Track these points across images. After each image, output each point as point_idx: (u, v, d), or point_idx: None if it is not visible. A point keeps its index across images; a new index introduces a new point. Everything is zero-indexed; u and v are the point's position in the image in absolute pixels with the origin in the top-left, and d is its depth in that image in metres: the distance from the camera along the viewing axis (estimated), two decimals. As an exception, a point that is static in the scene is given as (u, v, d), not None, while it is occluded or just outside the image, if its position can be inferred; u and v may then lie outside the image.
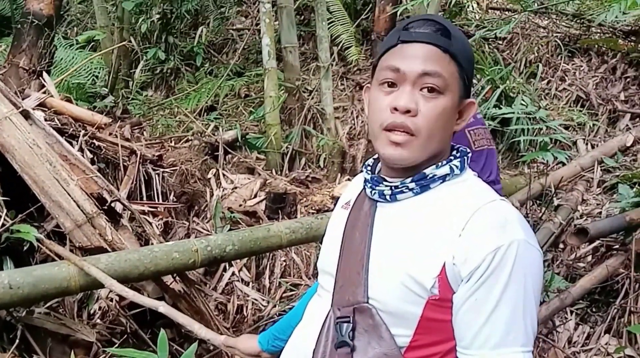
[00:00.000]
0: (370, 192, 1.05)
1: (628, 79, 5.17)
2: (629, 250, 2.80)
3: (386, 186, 1.01)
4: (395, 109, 0.95)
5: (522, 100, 4.53)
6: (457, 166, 1.00)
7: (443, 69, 0.94)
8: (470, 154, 1.05)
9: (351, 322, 0.98)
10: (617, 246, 2.99)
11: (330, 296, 1.05)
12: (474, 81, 4.40)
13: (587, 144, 4.45)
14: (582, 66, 5.52)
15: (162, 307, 1.65)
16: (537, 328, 0.92)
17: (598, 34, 5.76)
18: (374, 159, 1.12)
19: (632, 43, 5.36)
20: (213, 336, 1.44)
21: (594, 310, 2.79)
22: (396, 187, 1.00)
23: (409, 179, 0.99)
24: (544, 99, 5.03)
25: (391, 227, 1.01)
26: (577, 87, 5.15)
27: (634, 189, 3.40)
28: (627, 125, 4.65)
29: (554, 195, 3.65)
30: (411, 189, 0.99)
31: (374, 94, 1.00)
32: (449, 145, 1.03)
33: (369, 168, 1.10)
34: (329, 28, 5.18)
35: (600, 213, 3.51)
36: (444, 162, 1.00)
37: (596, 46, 5.53)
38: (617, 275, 2.77)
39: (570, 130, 4.65)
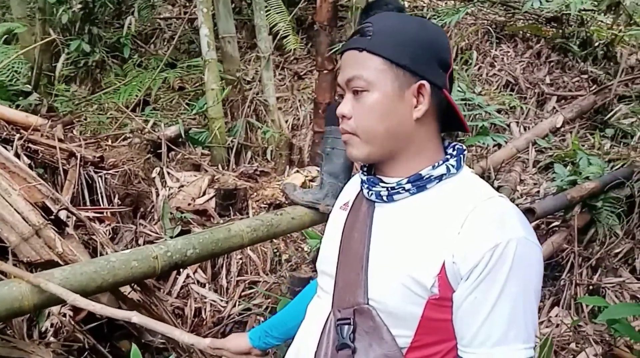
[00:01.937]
0: (367, 193, 1.05)
1: (552, 63, 5.48)
2: (570, 226, 2.99)
3: (382, 187, 1.01)
4: (339, 116, 1.03)
5: (459, 86, 4.70)
6: (453, 166, 1.00)
7: (362, 69, 0.98)
8: (466, 152, 1.06)
9: (351, 323, 0.97)
10: (557, 224, 3.18)
11: (330, 298, 1.04)
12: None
13: (519, 126, 4.68)
14: (509, 52, 5.78)
15: (136, 317, 1.56)
16: (537, 324, 0.94)
17: (522, 21, 6.05)
18: None
19: (555, 29, 5.67)
20: (196, 340, 1.37)
21: (542, 285, 2.96)
22: (392, 188, 1.00)
23: (405, 180, 0.99)
24: (477, 85, 5.23)
25: (389, 227, 1.00)
26: (506, 72, 5.40)
27: (568, 168, 3.62)
28: (554, 107, 4.94)
29: (495, 177, 3.82)
30: (407, 190, 0.99)
31: None
32: (418, 134, 1.00)
33: (365, 169, 1.09)
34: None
35: (538, 191, 3.72)
36: (440, 162, 1.00)
37: (521, 32, 5.81)
38: (561, 250, 2.95)
39: (503, 114, 4.87)
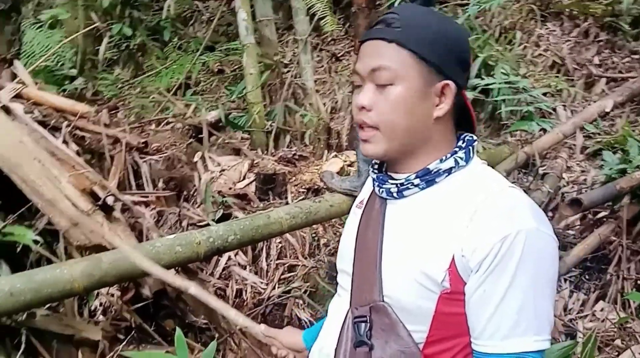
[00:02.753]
0: (378, 190, 1.05)
1: (601, 43, 5.24)
2: (619, 218, 2.89)
3: (392, 183, 1.01)
4: (358, 107, 1.00)
5: (502, 68, 4.56)
6: (461, 158, 0.99)
7: (390, 60, 0.95)
8: (476, 143, 1.04)
9: (368, 321, 0.98)
10: (605, 214, 3.08)
11: (349, 295, 1.05)
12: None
13: (566, 110, 4.52)
14: (555, 31, 5.55)
15: (193, 288, 1.59)
16: (553, 317, 0.92)
17: (569, -2, 5.79)
18: None
19: (604, 6, 5.40)
20: (251, 324, 1.36)
21: (587, 277, 2.88)
22: (402, 184, 1.00)
23: (414, 176, 0.99)
24: (522, 66, 5.06)
25: (401, 224, 1.01)
26: (552, 53, 5.20)
27: (617, 155, 3.49)
28: (602, 89, 4.74)
29: (540, 164, 3.71)
30: (417, 185, 0.99)
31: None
32: (435, 133, 0.99)
33: (375, 166, 1.09)
34: (302, -1, 5.03)
35: (586, 179, 3.60)
36: (448, 155, 0.99)
37: (568, 9, 5.57)
38: (609, 242, 2.86)
39: (548, 96, 4.71)
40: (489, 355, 0.90)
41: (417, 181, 0.98)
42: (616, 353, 2.41)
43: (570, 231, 3.17)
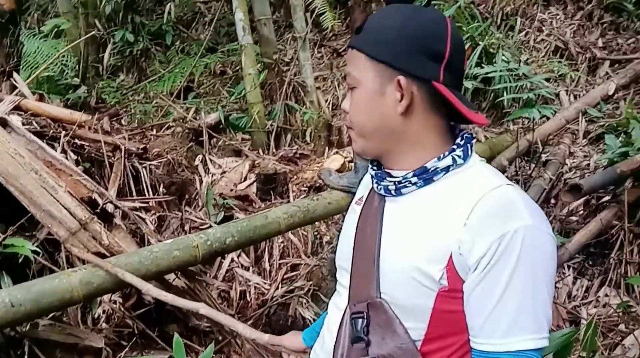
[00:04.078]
0: (377, 187, 1.05)
1: (605, 25, 5.15)
2: (620, 202, 2.85)
3: (390, 181, 1.02)
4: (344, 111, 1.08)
5: (503, 55, 4.50)
6: (459, 156, 0.98)
7: (352, 66, 1.02)
8: (474, 141, 1.03)
9: (365, 317, 0.99)
10: (608, 199, 3.04)
11: (347, 292, 1.06)
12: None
13: (569, 95, 4.46)
14: (558, 15, 5.47)
15: (203, 309, 1.66)
16: (551, 315, 0.92)
17: (572, -20, 5.69)
18: None
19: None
20: (258, 335, 1.45)
21: (590, 263, 2.85)
22: (399, 182, 1.00)
23: (411, 174, 0.99)
24: (524, 52, 5.00)
25: (399, 221, 1.01)
26: (555, 37, 5.12)
27: (620, 138, 3.43)
28: (607, 72, 4.65)
29: (542, 151, 3.67)
30: (414, 183, 0.99)
31: None
32: (410, 129, 0.99)
33: (374, 163, 1.09)
34: (300, -5, 5.02)
35: (589, 164, 3.55)
36: (446, 153, 0.98)
37: (571, -8, 5.47)
38: (611, 227, 2.82)
39: (551, 82, 4.64)
40: (487, 353, 0.90)
41: (414, 179, 0.99)
42: (620, 338, 2.38)
43: (573, 218, 3.14)
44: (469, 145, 1.00)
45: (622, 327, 2.43)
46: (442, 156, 0.98)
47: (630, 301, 2.51)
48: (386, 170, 1.05)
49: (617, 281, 2.67)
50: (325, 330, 1.14)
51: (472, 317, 0.92)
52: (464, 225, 0.90)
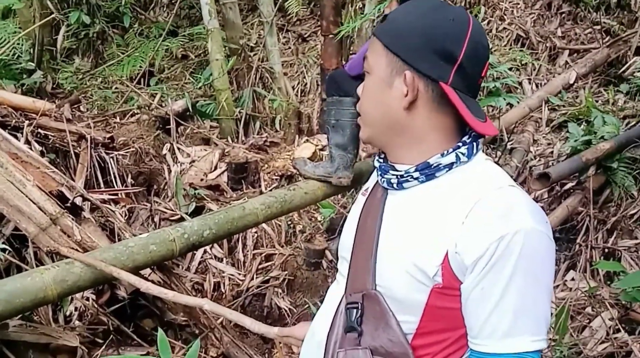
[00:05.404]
0: (380, 180, 1.06)
1: (563, 15, 5.31)
2: (585, 189, 2.96)
3: (393, 174, 1.02)
4: None
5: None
6: (463, 154, 0.98)
7: (370, 51, 1.01)
8: (481, 139, 1.03)
9: (360, 308, 1.00)
10: (572, 185, 3.15)
11: (345, 282, 1.06)
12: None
13: (531, 84, 4.58)
14: (519, 4, 5.59)
15: (207, 305, 1.61)
16: (550, 317, 0.93)
17: (531, -30, 5.82)
18: None
19: (565, -22, 5.45)
20: (266, 329, 1.41)
21: (557, 248, 2.96)
22: (401, 176, 1.00)
23: (413, 169, 0.99)
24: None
25: (399, 215, 1.01)
26: (517, 26, 5.24)
27: (582, 127, 3.56)
28: (566, 61, 4.81)
29: (508, 139, 3.77)
30: (416, 178, 0.99)
31: None
32: (413, 124, 0.98)
33: (382, 155, 1.09)
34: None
35: (552, 152, 3.67)
36: (450, 150, 0.98)
37: (531, -18, 5.60)
38: (577, 213, 2.93)
39: (514, 71, 4.76)
40: (487, 354, 0.90)
41: (416, 174, 0.98)
42: (587, 321, 2.50)
43: (539, 204, 3.24)
44: (474, 143, 0.99)
45: (589, 309, 2.55)
46: (445, 152, 0.97)
47: (597, 288, 2.63)
48: (390, 163, 1.04)
49: (583, 266, 2.79)
50: (318, 318, 1.13)
51: (471, 318, 0.92)
52: (462, 223, 0.90)
